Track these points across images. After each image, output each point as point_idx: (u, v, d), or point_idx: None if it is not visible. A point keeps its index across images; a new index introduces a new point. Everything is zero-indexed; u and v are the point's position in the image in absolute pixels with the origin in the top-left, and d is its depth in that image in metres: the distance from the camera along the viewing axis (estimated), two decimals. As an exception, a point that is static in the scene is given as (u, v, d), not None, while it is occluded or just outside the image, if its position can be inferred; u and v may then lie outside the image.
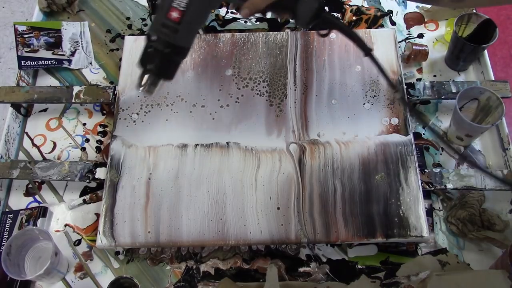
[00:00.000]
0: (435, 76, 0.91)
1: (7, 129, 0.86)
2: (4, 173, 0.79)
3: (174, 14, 0.57)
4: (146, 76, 0.62)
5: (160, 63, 0.60)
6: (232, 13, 1.00)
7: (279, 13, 0.64)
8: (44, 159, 0.85)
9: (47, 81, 0.94)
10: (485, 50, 0.88)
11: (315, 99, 0.83)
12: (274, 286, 0.64)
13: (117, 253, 0.76)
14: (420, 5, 0.98)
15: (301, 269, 0.73)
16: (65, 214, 0.80)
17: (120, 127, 0.82)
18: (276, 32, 0.90)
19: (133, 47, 0.90)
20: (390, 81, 0.64)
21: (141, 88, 0.63)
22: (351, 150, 0.78)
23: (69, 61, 0.94)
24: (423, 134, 0.84)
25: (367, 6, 0.99)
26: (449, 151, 0.79)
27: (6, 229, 0.77)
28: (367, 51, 0.63)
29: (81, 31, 0.98)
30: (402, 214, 0.72)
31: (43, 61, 0.93)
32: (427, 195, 0.77)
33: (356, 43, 0.64)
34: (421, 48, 0.89)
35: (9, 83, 1.67)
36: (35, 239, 0.73)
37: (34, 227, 0.75)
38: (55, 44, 0.95)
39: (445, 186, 0.75)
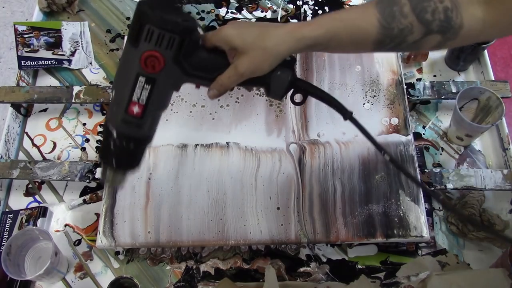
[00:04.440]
0: (435, 76, 0.91)
1: (7, 129, 0.85)
2: (4, 173, 0.79)
3: (136, 109, 0.50)
4: (110, 171, 0.55)
5: (126, 158, 0.54)
6: (232, 13, 1.00)
7: (250, 88, 0.58)
8: (44, 159, 0.85)
9: (47, 81, 0.94)
10: (485, 50, 0.88)
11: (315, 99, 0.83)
12: (273, 287, 0.64)
13: (117, 253, 0.76)
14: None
15: (301, 269, 0.73)
16: (65, 214, 0.79)
17: (120, 127, 0.82)
18: (276, 32, 0.90)
19: (133, 47, 0.90)
20: (376, 144, 0.58)
21: (108, 184, 0.56)
22: (351, 150, 0.78)
23: (69, 61, 0.94)
24: (423, 134, 0.84)
25: (367, 6, 0.99)
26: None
27: (6, 229, 0.77)
28: (348, 115, 0.56)
29: (81, 31, 0.98)
30: (402, 214, 0.72)
31: (43, 61, 0.93)
32: (427, 195, 0.77)
33: (335, 108, 0.56)
34: (421, 48, 0.89)
35: (9, 83, 1.66)
36: (35, 239, 0.73)
37: (34, 227, 0.75)
38: (55, 44, 0.95)
39: (445, 186, 0.75)
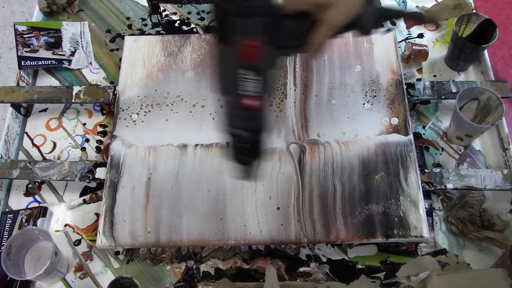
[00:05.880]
0: (435, 76, 0.91)
1: (7, 129, 0.85)
2: (4, 173, 0.79)
3: (249, 102, 0.51)
4: (246, 167, 0.58)
5: (259, 150, 0.57)
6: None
7: (339, 36, 0.57)
8: (44, 159, 0.85)
9: (47, 81, 0.94)
10: (485, 50, 0.88)
11: (315, 99, 0.83)
12: (274, 287, 0.64)
13: (117, 253, 0.76)
14: (421, 5, 0.98)
15: (301, 269, 0.73)
16: (65, 214, 0.79)
17: (120, 127, 0.82)
18: (276, 32, 0.90)
19: (133, 47, 0.90)
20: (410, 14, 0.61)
21: (251, 179, 0.60)
22: (351, 150, 0.78)
23: (69, 61, 0.94)
24: (423, 134, 0.84)
25: (367, 6, 0.99)
26: None
27: (6, 229, 0.77)
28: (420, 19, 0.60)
29: (81, 31, 0.98)
30: (402, 214, 0.72)
31: (43, 61, 0.93)
32: (427, 195, 0.77)
33: (414, 19, 0.61)
34: (421, 48, 0.89)
35: (9, 83, 1.66)
36: (35, 239, 0.73)
37: (34, 227, 0.75)
38: (55, 44, 0.95)
39: (445, 186, 0.75)
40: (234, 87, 0.50)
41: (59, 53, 0.94)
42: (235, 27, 0.47)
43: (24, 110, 0.90)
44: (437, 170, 0.76)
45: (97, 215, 0.79)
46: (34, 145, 0.87)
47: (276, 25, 0.49)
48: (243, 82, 0.50)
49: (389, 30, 0.60)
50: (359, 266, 0.73)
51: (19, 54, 0.92)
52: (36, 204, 0.81)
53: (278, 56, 0.53)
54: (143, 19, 1.00)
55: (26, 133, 0.89)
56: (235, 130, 0.53)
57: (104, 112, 0.90)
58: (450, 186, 0.75)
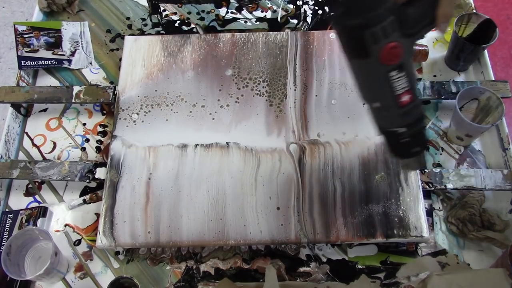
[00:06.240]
0: (435, 76, 0.91)
1: (7, 129, 0.85)
2: (4, 173, 0.79)
3: (406, 98, 0.53)
4: (416, 158, 0.61)
5: (425, 139, 0.60)
6: (232, 13, 1.00)
7: None
8: (44, 159, 0.85)
9: (47, 81, 0.94)
10: (485, 50, 0.88)
11: (315, 99, 0.83)
12: (274, 287, 0.64)
13: (117, 253, 0.76)
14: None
15: (301, 269, 0.73)
16: (65, 214, 0.79)
17: (120, 127, 0.82)
18: (276, 32, 0.90)
19: (133, 47, 0.90)
20: None
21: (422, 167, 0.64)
22: (351, 150, 0.78)
23: (69, 61, 0.94)
24: (423, 134, 0.84)
25: (367, 6, 0.99)
26: None
27: (6, 229, 0.77)
28: None
29: (81, 31, 0.98)
30: (402, 214, 0.72)
31: (43, 61, 0.93)
32: (427, 195, 0.77)
33: None
34: (421, 48, 0.89)
35: (9, 83, 1.67)
36: (35, 239, 0.73)
37: (34, 227, 0.75)
38: (55, 44, 0.95)
39: (445, 186, 0.75)
40: (390, 90, 0.52)
41: (59, 53, 0.94)
42: (372, 38, 0.48)
43: (24, 110, 0.90)
44: (437, 170, 0.76)
45: (97, 215, 0.79)
46: (34, 145, 0.87)
47: (402, 17, 0.50)
48: (395, 83, 0.51)
49: None
50: (359, 266, 0.73)
51: (19, 54, 0.92)
52: (36, 204, 0.81)
53: (413, 43, 0.54)
54: (143, 19, 1.00)
55: (26, 133, 0.89)
56: (399, 129, 0.56)
57: (104, 112, 0.90)
58: (450, 186, 0.75)
